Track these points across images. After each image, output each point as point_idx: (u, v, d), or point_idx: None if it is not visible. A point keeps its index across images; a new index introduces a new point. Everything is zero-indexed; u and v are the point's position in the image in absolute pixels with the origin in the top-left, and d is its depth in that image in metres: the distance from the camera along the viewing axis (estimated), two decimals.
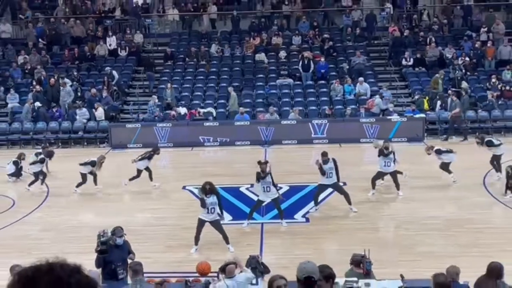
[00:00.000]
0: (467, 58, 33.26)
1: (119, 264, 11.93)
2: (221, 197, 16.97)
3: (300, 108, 31.10)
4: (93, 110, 31.02)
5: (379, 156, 20.45)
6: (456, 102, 29.82)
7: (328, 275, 6.86)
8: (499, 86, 31.34)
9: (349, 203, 18.97)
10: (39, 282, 2.36)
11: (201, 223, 16.20)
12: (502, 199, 20.06)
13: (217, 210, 16.14)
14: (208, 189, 16.11)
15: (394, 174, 20.45)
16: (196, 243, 16.31)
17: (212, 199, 16.00)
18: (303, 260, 6.69)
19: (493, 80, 31.68)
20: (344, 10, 38.30)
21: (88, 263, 11.86)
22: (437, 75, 31.96)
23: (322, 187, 19.27)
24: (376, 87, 32.48)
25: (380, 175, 20.63)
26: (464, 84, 31.57)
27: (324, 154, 18.98)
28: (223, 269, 10.58)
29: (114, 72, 33.44)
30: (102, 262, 11.99)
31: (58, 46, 36.74)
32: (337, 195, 19.54)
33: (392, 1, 38.49)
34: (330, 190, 19.69)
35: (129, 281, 11.46)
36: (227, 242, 16.25)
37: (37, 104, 31.63)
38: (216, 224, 16.23)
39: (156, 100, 31.30)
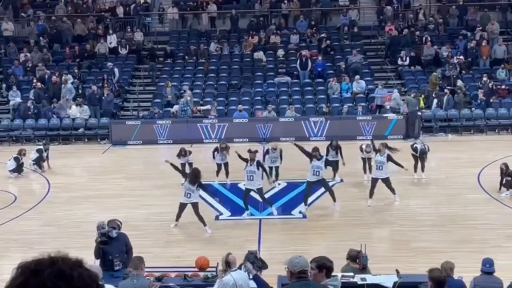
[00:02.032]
0: (461, 57, 33.52)
1: (116, 256, 12.16)
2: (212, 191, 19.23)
3: (297, 105, 31.40)
4: (67, 109, 31.25)
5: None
6: (407, 99, 30.01)
7: (321, 264, 6.98)
8: (490, 85, 31.56)
9: (334, 199, 19.12)
10: (41, 275, 2.36)
11: (181, 206, 17.70)
12: (496, 196, 20.29)
13: (194, 195, 17.51)
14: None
15: (387, 181, 19.72)
16: (177, 220, 17.94)
17: (190, 186, 17.44)
18: (308, 255, 6.93)
19: (484, 78, 31.90)
20: (341, 9, 38.50)
21: (90, 258, 12.10)
22: (434, 73, 32.20)
23: (310, 184, 19.40)
24: (372, 85, 32.74)
25: (374, 181, 19.85)
26: (460, 83, 31.83)
27: (315, 150, 19.28)
28: (228, 263, 10.69)
29: (116, 70, 33.66)
30: (101, 253, 12.22)
31: (59, 44, 36.91)
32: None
33: (387, 1, 38.66)
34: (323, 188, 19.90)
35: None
36: (204, 224, 17.63)
37: (18, 100, 31.99)
38: (195, 207, 17.54)
39: (189, 98, 31.53)
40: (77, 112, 31.10)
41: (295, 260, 6.54)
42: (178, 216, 17.87)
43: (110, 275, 11.65)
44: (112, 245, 12.32)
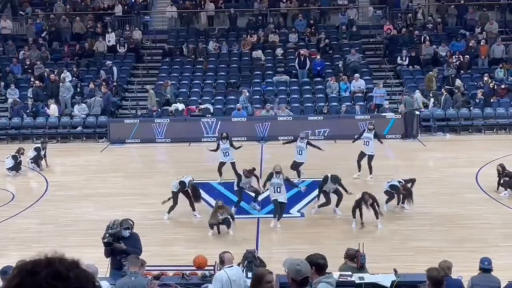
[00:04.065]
0: (460, 56, 33.47)
1: (123, 255, 12.01)
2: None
3: (295, 104, 31.44)
4: (46, 108, 31.21)
5: None
6: (404, 99, 30.02)
7: (309, 261, 6.90)
8: (491, 85, 31.55)
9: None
10: (38, 276, 2.37)
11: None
12: (495, 195, 20.30)
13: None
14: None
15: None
16: (169, 212, 18.70)
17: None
18: (297, 256, 6.86)
19: (485, 78, 31.91)
20: (340, 8, 38.48)
21: (87, 256, 12.05)
22: (430, 72, 32.20)
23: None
24: (371, 84, 32.72)
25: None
26: (458, 82, 31.83)
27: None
28: (221, 259, 10.71)
29: (114, 68, 33.61)
30: (110, 253, 12.18)
31: (58, 42, 36.87)
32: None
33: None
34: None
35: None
36: (194, 210, 18.82)
37: (16, 98, 32.05)
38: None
39: (247, 94, 31.52)
40: (55, 111, 31.04)
41: (297, 267, 6.38)
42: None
43: (118, 274, 11.58)
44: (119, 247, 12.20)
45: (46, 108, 31.20)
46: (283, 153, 23.00)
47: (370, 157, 21.80)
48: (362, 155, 22.17)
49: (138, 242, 12.45)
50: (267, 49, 36.06)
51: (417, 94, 30.96)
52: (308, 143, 21.85)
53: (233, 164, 21.70)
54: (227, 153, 21.90)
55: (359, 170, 22.11)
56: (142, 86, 34.23)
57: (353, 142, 22.79)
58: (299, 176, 21.83)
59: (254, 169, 19.90)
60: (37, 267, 2.41)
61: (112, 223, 12.40)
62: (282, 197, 17.96)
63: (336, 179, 18.67)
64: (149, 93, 31.74)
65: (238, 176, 20.59)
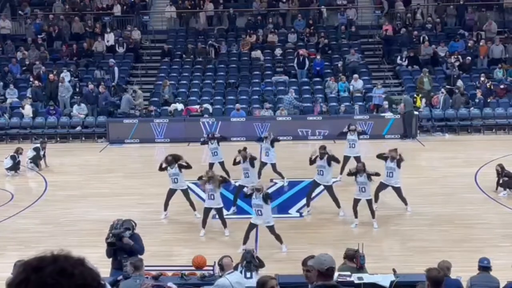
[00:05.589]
0: (459, 57, 33.47)
1: (124, 256, 12.01)
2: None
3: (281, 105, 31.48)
4: (21, 108, 31.19)
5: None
6: (404, 99, 30.00)
7: (305, 262, 6.91)
8: (487, 85, 31.56)
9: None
10: (43, 272, 2.39)
11: (170, 192, 18.54)
12: (493, 195, 20.29)
13: (181, 179, 18.36)
14: (169, 160, 18.55)
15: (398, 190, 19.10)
16: (165, 209, 18.69)
17: (174, 170, 18.34)
18: (296, 256, 6.86)
19: (482, 78, 31.91)
20: (339, 8, 38.46)
21: (87, 256, 11.98)
22: (421, 74, 32.18)
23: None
24: (370, 84, 32.74)
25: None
26: (459, 83, 31.83)
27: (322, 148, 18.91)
28: (221, 266, 10.69)
29: (116, 68, 33.55)
30: (112, 253, 12.18)
31: (59, 41, 36.81)
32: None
33: None
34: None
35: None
36: (194, 209, 18.54)
37: (15, 98, 32.11)
38: (185, 193, 18.54)
39: (294, 94, 31.38)
40: (30, 111, 31.02)
41: (322, 258, 6.43)
42: (166, 205, 18.75)
43: (119, 274, 11.58)
44: (123, 245, 12.20)
45: (21, 108, 31.17)
46: (282, 154, 22.97)
47: (357, 158, 21.35)
48: (347, 158, 21.75)
49: (140, 241, 12.46)
50: (266, 49, 36.07)
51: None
52: (272, 143, 21.50)
53: (221, 163, 21.71)
54: (215, 153, 21.99)
55: (341, 173, 21.56)
56: (141, 86, 34.23)
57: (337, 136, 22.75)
58: (282, 177, 21.63)
59: (245, 148, 19.78)
60: (43, 263, 2.42)
61: (115, 223, 12.40)
62: (267, 221, 15.85)
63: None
64: (136, 93, 31.74)
65: (227, 174, 20.88)
